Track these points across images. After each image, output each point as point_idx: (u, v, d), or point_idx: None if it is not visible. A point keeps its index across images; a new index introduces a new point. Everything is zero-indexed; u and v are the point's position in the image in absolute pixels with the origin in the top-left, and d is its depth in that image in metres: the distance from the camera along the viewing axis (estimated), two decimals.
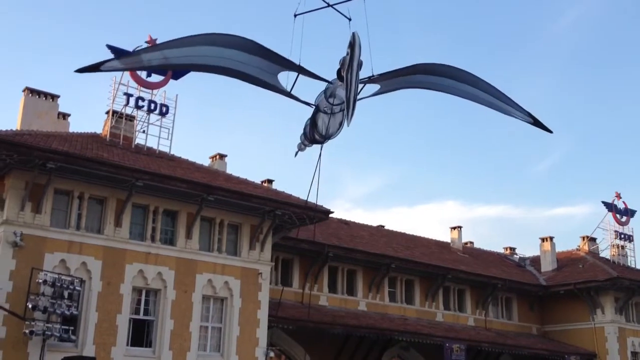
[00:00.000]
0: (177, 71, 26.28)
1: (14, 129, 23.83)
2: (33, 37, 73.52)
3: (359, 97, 8.37)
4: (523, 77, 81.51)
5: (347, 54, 7.96)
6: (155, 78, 25.75)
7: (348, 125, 7.98)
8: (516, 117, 8.75)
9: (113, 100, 25.12)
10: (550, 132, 8.87)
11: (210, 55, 8.03)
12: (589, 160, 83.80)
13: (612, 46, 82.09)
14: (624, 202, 40.01)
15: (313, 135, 9.18)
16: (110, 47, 25.00)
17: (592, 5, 79.61)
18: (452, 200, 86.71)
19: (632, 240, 39.67)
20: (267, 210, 25.26)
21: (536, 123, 8.76)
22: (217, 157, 30.96)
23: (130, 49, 25.12)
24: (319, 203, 25.23)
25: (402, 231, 38.71)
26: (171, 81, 26.04)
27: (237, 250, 25.37)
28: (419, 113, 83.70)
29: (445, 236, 41.68)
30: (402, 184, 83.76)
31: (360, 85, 8.36)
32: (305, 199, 10.14)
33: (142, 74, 25.39)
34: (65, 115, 27.20)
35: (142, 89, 25.31)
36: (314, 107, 8.88)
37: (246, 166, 72.26)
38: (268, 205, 25.11)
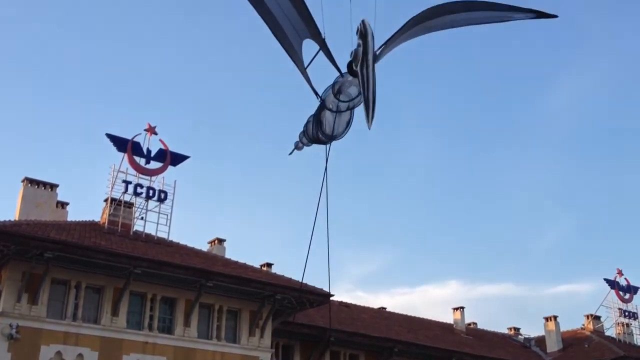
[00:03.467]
0: (175, 157, 26.62)
1: (12, 219, 23.85)
2: (32, 126, 74.63)
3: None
4: (521, 157, 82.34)
5: (359, 46, 7.22)
6: (154, 165, 26.01)
7: (370, 128, 7.02)
8: (519, 19, 8.31)
9: (112, 188, 25.29)
10: (556, 16, 8.29)
11: None
12: (590, 237, 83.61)
13: (611, 123, 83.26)
14: (626, 279, 39.66)
15: (316, 134, 8.55)
16: (109, 135, 25.41)
17: (586, 84, 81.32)
18: (454, 279, 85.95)
19: (637, 318, 39.11)
20: (266, 294, 24.99)
21: (539, 15, 8.29)
22: (216, 241, 30.87)
23: (129, 137, 25.62)
24: (318, 286, 24.99)
25: (404, 313, 38.18)
26: (170, 167, 26.27)
27: (237, 337, 24.93)
28: (419, 192, 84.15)
29: (448, 317, 41.11)
30: (403, 264, 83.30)
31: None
32: (301, 280, 9.53)
33: (141, 161, 25.66)
34: (63, 204, 27.29)
35: (140, 175, 25.51)
36: (320, 100, 8.22)
37: (245, 250, 72.08)
38: (267, 290, 24.85)
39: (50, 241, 20.67)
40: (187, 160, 26.86)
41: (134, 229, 25.53)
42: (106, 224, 25.18)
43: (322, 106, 8.20)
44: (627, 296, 39.31)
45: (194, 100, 79.97)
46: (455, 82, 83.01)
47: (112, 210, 25.50)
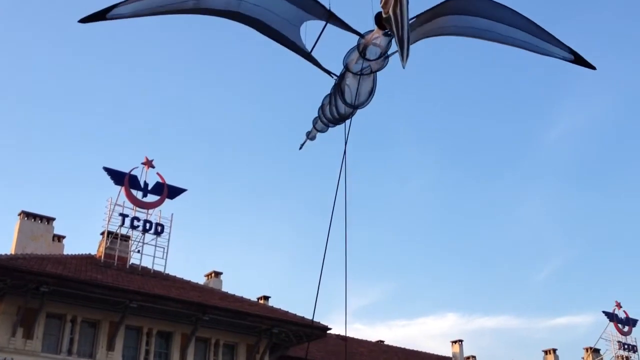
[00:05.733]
0: (172, 190, 26.66)
1: (9, 252, 23.79)
2: (29, 160, 74.73)
3: (390, 51, 7.53)
4: (520, 189, 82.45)
5: None
6: (151, 198, 26.05)
7: (404, 67, 6.75)
8: (556, 57, 8.03)
9: (108, 221, 25.28)
10: (594, 68, 8.07)
11: None
12: (589, 269, 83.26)
13: (609, 153, 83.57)
14: (625, 312, 39.43)
15: (336, 109, 8.26)
16: (106, 169, 25.47)
17: (585, 116, 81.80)
18: (452, 312, 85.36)
19: (637, 351, 38.80)
20: (263, 328, 24.85)
21: (577, 60, 8.05)
22: (213, 274, 30.77)
23: (127, 171, 25.69)
24: (316, 319, 24.83)
25: (402, 346, 37.83)
26: (167, 200, 26.30)
27: None
28: (417, 224, 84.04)
29: (446, 349, 40.79)
30: (401, 296, 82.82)
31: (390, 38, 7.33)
32: (312, 316, 9.15)
33: (138, 194, 25.69)
34: (60, 238, 27.24)
35: (137, 209, 25.51)
36: (335, 77, 8.02)
37: (242, 283, 71.51)
38: (264, 323, 24.72)
39: (46, 275, 20.61)
40: (184, 193, 26.92)
41: (131, 262, 25.45)
42: (102, 257, 25.12)
43: (344, 74, 7.97)
44: (626, 329, 39.06)
45: (192, 133, 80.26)
46: (456, 112, 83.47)
47: (108, 244, 25.46)
